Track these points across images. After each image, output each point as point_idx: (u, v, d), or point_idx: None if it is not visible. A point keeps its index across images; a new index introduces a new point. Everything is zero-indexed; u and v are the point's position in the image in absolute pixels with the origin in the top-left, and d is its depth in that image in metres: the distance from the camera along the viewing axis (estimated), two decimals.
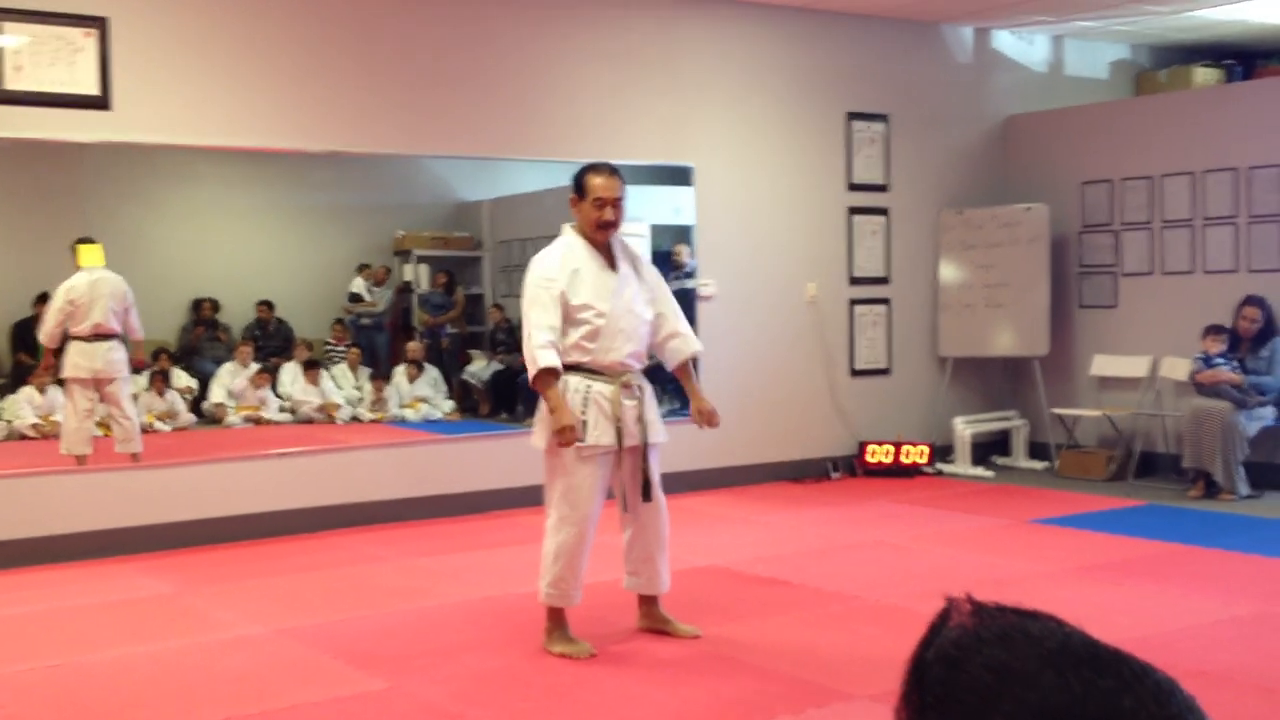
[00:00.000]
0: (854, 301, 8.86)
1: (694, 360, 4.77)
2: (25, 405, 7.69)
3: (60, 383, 7.33)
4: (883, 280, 8.99)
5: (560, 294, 4.39)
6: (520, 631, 4.79)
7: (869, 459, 8.61)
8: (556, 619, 4.54)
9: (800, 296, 8.62)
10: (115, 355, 7.24)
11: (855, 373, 8.87)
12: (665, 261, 9.27)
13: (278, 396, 8.58)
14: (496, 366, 9.42)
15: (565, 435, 4.29)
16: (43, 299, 7.91)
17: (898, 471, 8.56)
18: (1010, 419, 9.15)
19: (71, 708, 4.01)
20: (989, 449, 9.07)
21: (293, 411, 8.53)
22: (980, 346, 9.11)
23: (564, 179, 8.96)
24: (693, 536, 6.66)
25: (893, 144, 8.97)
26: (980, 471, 8.66)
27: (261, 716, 3.89)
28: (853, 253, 8.84)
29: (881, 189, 8.95)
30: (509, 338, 9.48)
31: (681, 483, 8.06)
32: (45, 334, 7.21)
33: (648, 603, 4.74)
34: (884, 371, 9.00)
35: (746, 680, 4.19)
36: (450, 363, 9.41)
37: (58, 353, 7.26)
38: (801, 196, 8.62)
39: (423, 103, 7.25)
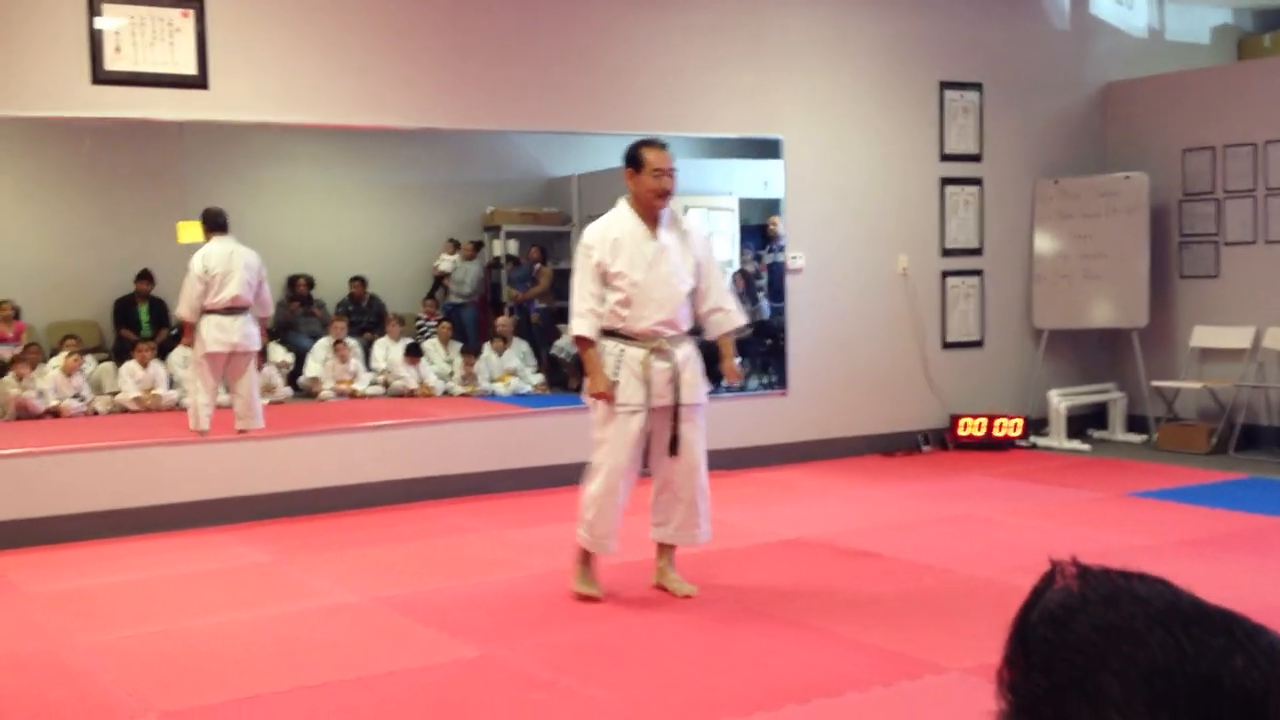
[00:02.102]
0: (946, 273, 8.74)
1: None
2: (128, 379, 7.88)
3: (160, 356, 7.42)
4: (976, 252, 8.85)
5: (597, 263, 4.74)
6: (609, 602, 4.81)
7: (961, 432, 8.50)
8: (584, 560, 4.88)
9: (891, 269, 8.52)
10: (251, 329, 7.21)
11: (947, 345, 8.75)
12: (756, 235, 9.23)
13: (370, 370, 8.70)
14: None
15: (601, 396, 4.71)
16: (144, 276, 8.11)
17: (990, 445, 8.44)
18: (1108, 392, 8.97)
19: (175, 672, 4.11)
20: (1085, 422, 8.91)
21: (386, 385, 8.64)
22: (1077, 318, 8.94)
23: None
24: (783, 509, 6.64)
25: (987, 113, 8.81)
26: (1076, 445, 8.50)
27: (359, 682, 3.95)
28: (945, 224, 8.72)
29: (975, 159, 8.80)
30: None
31: (772, 455, 8.04)
32: (187, 308, 7.11)
33: (663, 555, 4.95)
34: (977, 344, 8.87)
35: (839, 652, 4.16)
36: (540, 337, 9.46)
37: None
38: (892, 168, 8.51)
39: (512, 79, 7.27)
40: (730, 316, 4.94)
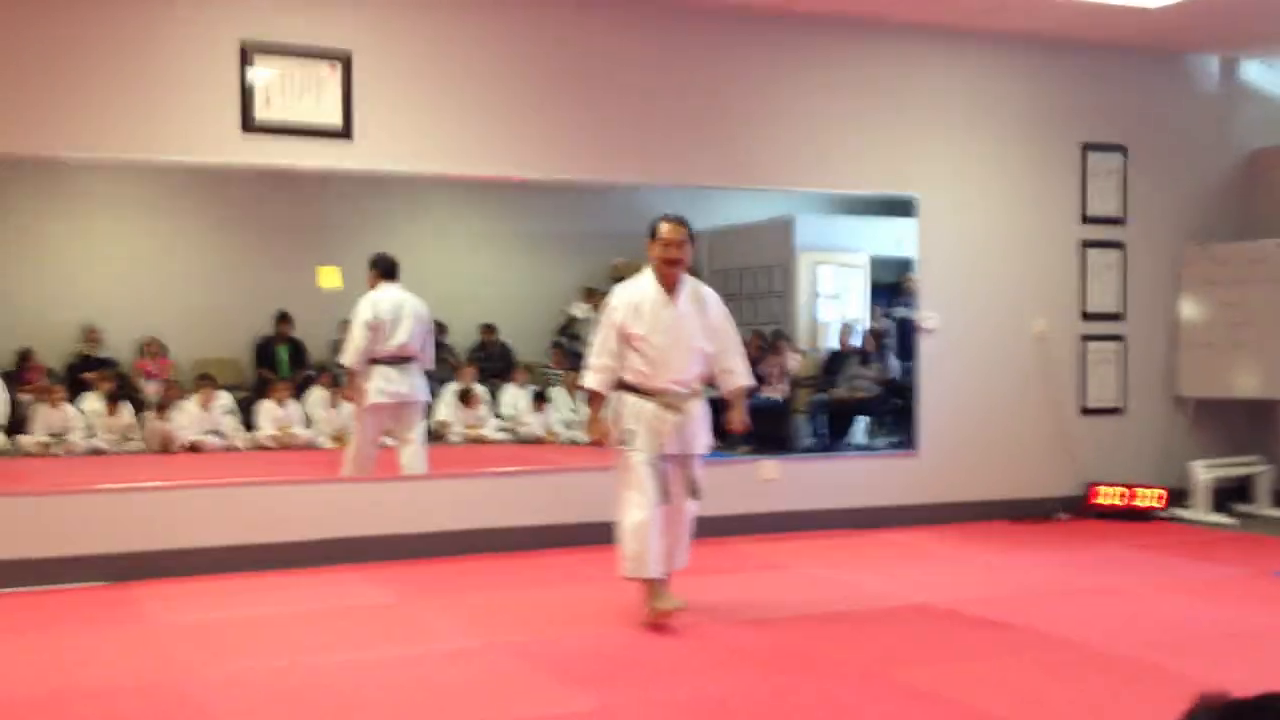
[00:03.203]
0: (1086, 338, 8.51)
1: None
2: (265, 417, 8.06)
3: (296, 396, 7.54)
4: (1117, 316, 8.61)
5: (620, 324, 5.31)
6: (728, 658, 4.73)
7: (1098, 501, 8.23)
8: (650, 586, 5.31)
9: (1027, 332, 8.33)
10: (419, 380, 7.04)
11: (1085, 411, 8.50)
12: (886, 293, 9.12)
13: (498, 417, 8.77)
14: (713, 392, 9.40)
15: (596, 443, 5.41)
16: (283, 318, 8.32)
17: (1129, 515, 8.16)
18: (1253, 464, 8.62)
19: (296, 709, 4.14)
20: (1229, 495, 8.56)
21: (512, 431, 8.71)
22: (1222, 387, 8.62)
23: (780, 209, 8.98)
24: (911, 572, 6.48)
25: (1131, 176, 8.60)
26: (1220, 518, 8.17)
27: None
28: (1086, 288, 8.50)
29: (1118, 222, 8.59)
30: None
31: (900, 516, 7.89)
32: (352, 355, 6.99)
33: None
34: (1116, 410, 8.60)
35: None
36: None
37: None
38: (1031, 229, 8.35)
39: (646, 133, 7.32)
40: (735, 377, 5.51)
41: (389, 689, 4.36)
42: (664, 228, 5.34)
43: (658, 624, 5.20)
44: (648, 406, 5.30)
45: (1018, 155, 8.31)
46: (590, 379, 5.37)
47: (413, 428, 7.06)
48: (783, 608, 5.63)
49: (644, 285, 5.38)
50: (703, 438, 5.44)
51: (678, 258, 5.34)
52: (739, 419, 5.54)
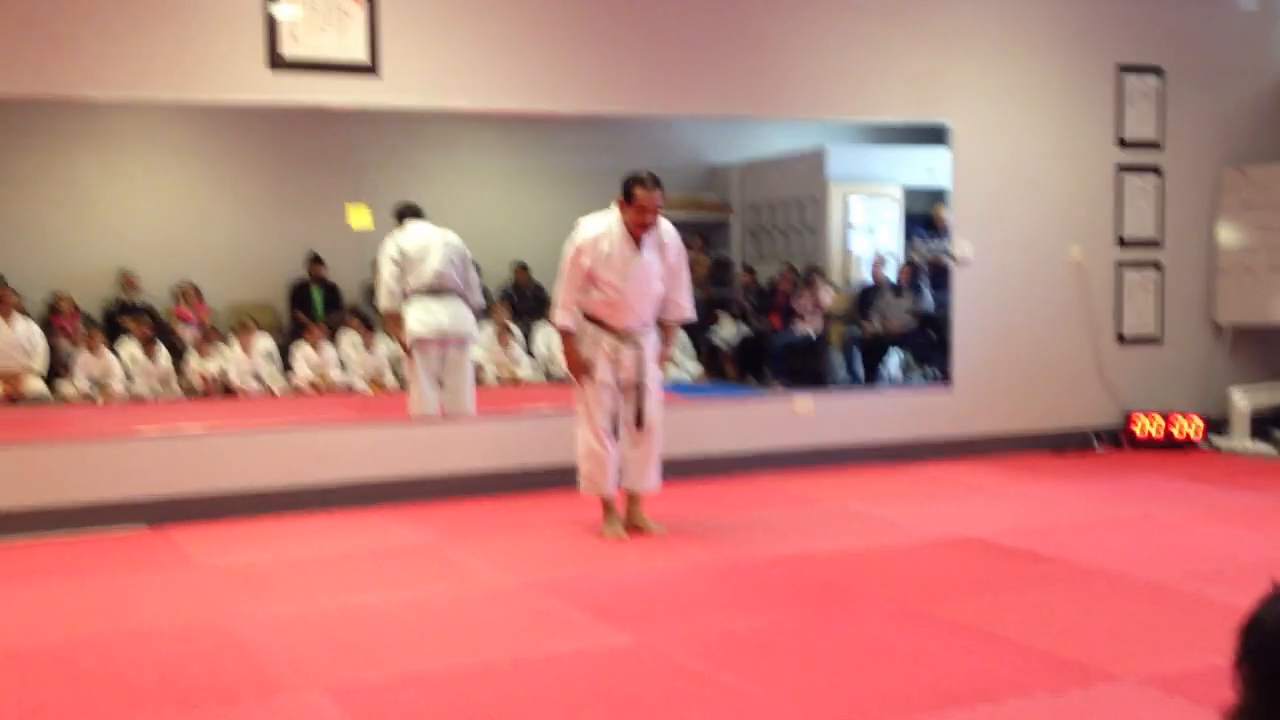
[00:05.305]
0: (1122, 265, 8.41)
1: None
2: (301, 361, 8.09)
3: (332, 339, 7.52)
4: (1154, 243, 8.49)
5: (587, 268, 5.58)
6: (762, 593, 4.74)
7: (1136, 431, 8.18)
8: (605, 508, 5.82)
9: (1063, 260, 8.24)
10: (463, 312, 6.80)
11: (1122, 340, 8.42)
12: (920, 224, 9.03)
13: (530, 355, 8.77)
14: (745, 331, 9.37)
15: (577, 374, 5.70)
16: (316, 260, 8.32)
17: (1168, 445, 8.10)
18: None
19: (339, 648, 4.19)
20: (1269, 423, 8.47)
21: (546, 371, 8.71)
22: (1261, 313, 8.50)
23: (812, 142, 8.86)
24: (946, 506, 6.47)
25: (1169, 98, 8.44)
26: (1260, 446, 8.10)
27: (517, 665, 3.96)
28: (1122, 214, 8.38)
29: (1155, 146, 8.44)
30: (761, 301, 9.41)
31: (934, 450, 7.86)
32: (385, 294, 6.83)
33: (631, 502, 5.87)
34: (1154, 339, 8.51)
35: (1004, 656, 4.02)
36: (697, 326, 9.41)
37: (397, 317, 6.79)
38: (1066, 155, 8.22)
39: (674, 64, 7.23)
40: (679, 309, 5.85)
41: (430, 627, 4.40)
42: (641, 194, 5.51)
43: (611, 540, 5.68)
44: (609, 340, 5.67)
45: (1051, 78, 8.16)
46: (562, 316, 5.67)
47: (459, 370, 6.92)
48: (816, 542, 5.64)
49: (611, 229, 5.61)
50: (654, 370, 5.80)
51: (651, 223, 5.59)
52: (666, 355, 5.92)
